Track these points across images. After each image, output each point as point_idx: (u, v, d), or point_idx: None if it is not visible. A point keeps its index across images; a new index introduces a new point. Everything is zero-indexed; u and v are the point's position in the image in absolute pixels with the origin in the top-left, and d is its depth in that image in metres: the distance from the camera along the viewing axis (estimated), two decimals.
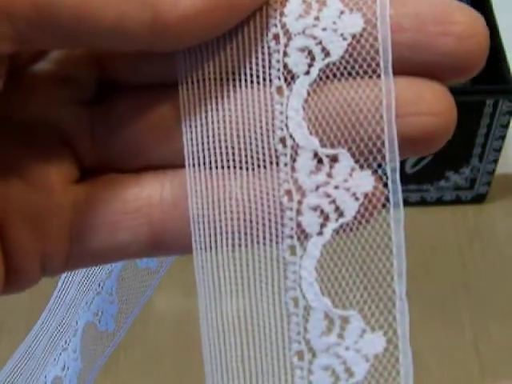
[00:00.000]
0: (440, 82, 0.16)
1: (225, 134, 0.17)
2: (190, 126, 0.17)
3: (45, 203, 0.18)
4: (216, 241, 0.17)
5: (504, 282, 0.57)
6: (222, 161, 0.17)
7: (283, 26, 0.16)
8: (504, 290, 0.56)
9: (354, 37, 0.16)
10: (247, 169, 0.17)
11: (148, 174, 0.18)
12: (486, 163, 0.59)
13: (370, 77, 0.16)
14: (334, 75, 0.16)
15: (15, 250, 0.17)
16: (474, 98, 0.55)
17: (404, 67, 0.16)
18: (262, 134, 0.17)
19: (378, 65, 0.16)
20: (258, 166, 0.17)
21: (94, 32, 0.15)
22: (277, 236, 0.17)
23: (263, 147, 0.17)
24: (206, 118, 0.17)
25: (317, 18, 0.16)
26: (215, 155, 0.17)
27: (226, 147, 0.17)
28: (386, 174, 0.16)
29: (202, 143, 0.17)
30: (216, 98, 0.17)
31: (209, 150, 0.17)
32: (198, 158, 0.17)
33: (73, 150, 0.18)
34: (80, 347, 0.27)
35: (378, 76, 0.16)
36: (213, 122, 0.17)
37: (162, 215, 0.18)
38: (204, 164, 0.17)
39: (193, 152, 0.17)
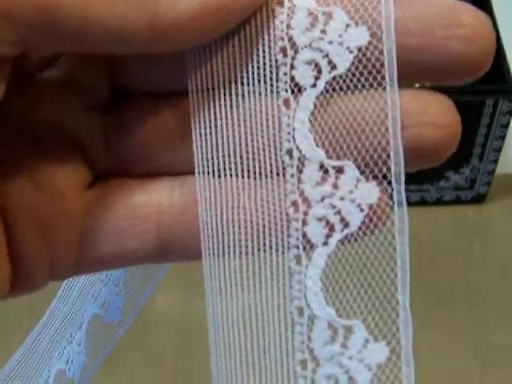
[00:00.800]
0: (445, 95, 0.16)
1: (234, 144, 0.17)
2: (200, 134, 0.18)
3: (55, 208, 0.18)
4: (224, 247, 0.17)
5: (504, 282, 0.57)
6: (230, 169, 0.17)
7: (290, 38, 0.16)
8: (504, 290, 0.56)
9: (359, 50, 0.16)
10: (255, 178, 0.17)
11: (157, 180, 0.18)
12: (486, 163, 0.59)
13: (376, 89, 0.16)
14: (341, 88, 0.16)
15: (24, 254, 0.18)
16: (474, 98, 0.55)
17: (411, 70, 0.16)
18: (269, 146, 0.17)
19: (383, 77, 0.16)
20: (266, 177, 0.17)
21: (96, 36, 0.15)
22: (283, 246, 0.17)
23: (270, 158, 0.17)
24: (216, 127, 0.17)
25: (323, 31, 0.16)
26: (224, 163, 0.17)
27: (235, 156, 0.17)
28: (391, 184, 0.16)
29: (212, 151, 0.17)
30: (225, 107, 0.17)
31: (218, 158, 0.17)
32: (208, 165, 0.18)
33: (85, 155, 0.18)
34: (85, 340, 0.27)
35: (384, 88, 0.16)
36: (222, 131, 0.17)
37: (170, 222, 0.18)
38: (213, 172, 0.18)
39: (202, 160, 0.18)
